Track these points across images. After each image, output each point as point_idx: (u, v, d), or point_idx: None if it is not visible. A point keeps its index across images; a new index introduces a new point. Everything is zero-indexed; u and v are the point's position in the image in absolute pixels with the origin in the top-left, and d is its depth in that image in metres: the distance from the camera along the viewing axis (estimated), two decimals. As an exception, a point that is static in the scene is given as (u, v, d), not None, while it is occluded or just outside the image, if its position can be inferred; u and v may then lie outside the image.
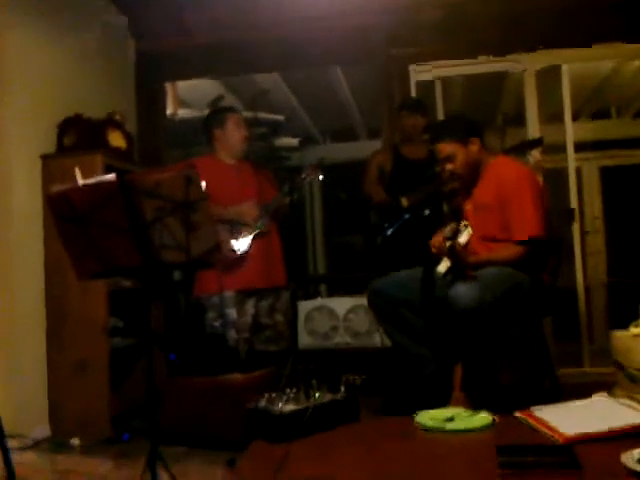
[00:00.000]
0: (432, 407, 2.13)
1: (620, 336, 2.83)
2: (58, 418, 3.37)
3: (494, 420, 1.96)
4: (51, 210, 2.18)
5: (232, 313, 3.36)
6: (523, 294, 2.62)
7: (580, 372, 4.07)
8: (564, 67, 4.24)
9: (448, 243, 2.55)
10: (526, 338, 2.87)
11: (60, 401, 3.38)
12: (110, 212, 2.06)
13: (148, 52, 4.54)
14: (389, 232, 3.59)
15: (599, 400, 2.07)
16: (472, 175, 2.85)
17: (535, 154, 4.07)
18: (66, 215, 2.12)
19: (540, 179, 3.84)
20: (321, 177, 3.51)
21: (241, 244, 3.39)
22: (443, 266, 2.75)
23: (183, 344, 3.41)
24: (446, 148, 2.81)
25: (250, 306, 3.43)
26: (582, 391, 2.19)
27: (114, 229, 2.09)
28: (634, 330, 2.78)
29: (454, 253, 2.56)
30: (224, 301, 3.34)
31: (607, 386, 2.74)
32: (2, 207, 3.26)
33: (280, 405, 1.97)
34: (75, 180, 2.11)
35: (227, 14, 4.37)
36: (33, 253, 3.38)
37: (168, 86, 4.90)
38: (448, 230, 2.60)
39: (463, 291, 2.49)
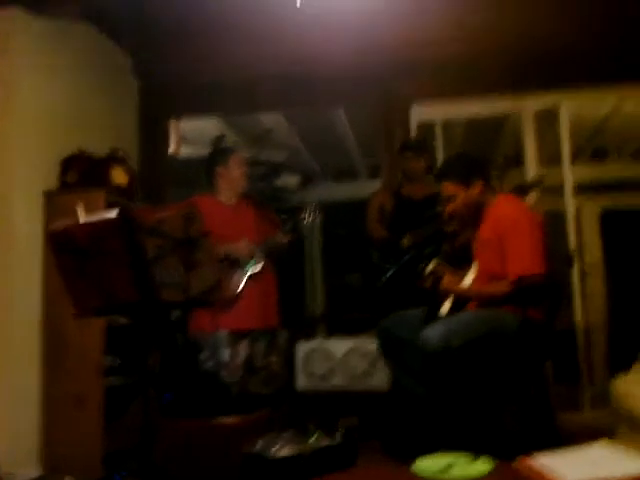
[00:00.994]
0: (431, 448, 2.10)
1: (620, 381, 2.81)
2: (50, 455, 3.32)
3: (494, 467, 1.93)
4: (52, 246, 2.19)
5: (225, 354, 3.34)
6: (506, 337, 2.60)
7: (580, 416, 4.02)
8: (562, 108, 4.29)
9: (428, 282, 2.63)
10: (525, 382, 2.84)
11: (53, 438, 3.34)
12: (110, 249, 2.07)
13: (152, 90, 4.61)
14: (389, 274, 3.61)
15: (600, 446, 2.04)
16: (473, 216, 2.87)
17: (533, 195, 4.09)
18: (67, 252, 2.13)
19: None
20: (318, 219, 3.55)
21: (236, 284, 3.39)
22: (446, 307, 2.77)
23: (178, 384, 3.38)
24: (448, 188, 2.84)
25: (243, 347, 3.41)
26: (582, 436, 2.17)
27: (114, 266, 2.09)
28: (635, 374, 2.76)
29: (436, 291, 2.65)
30: (218, 341, 3.33)
31: (608, 432, 2.71)
32: (4, 242, 3.27)
33: (275, 449, 1.94)
34: (77, 216, 2.12)
35: (230, 54, 4.45)
36: (32, 288, 3.38)
37: (171, 124, 4.96)
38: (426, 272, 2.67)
39: (431, 334, 2.51)
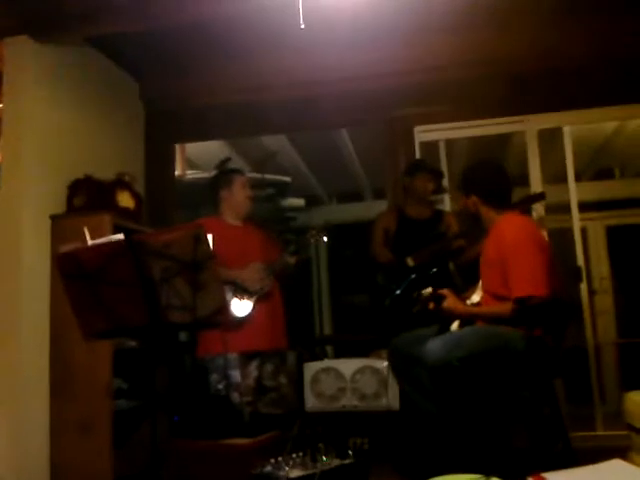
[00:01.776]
0: (443, 468, 2.07)
1: (633, 397, 2.78)
2: (60, 480, 3.31)
3: (507, 486, 1.90)
4: (59, 269, 2.20)
5: (236, 375, 3.33)
6: (512, 354, 2.58)
7: (593, 435, 3.97)
8: (566, 128, 4.31)
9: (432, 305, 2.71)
10: (537, 400, 2.81)
11: (62, 463, 3.31)
12: (117, 272, 2.08)
13: (157, 114, 4.66)
14: (397, 292, 3.60)
15: (614, 465, 2.01)
16: (472, 228, 2.93)
17: (538, 210, 4.10)
18: (74, 274, 2.14)
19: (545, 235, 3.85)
20: (325, 239, 3.56)
21: (243, 307, 3.39)
22: (456, 324, 2.77)
23: (187, 406, 3.36)
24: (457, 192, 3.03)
25: (253, 368, 3.41)
26: (595, 455, 2.13)
27: (121, 289, 2.10)
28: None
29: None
30: (228, 363, 3.32)
31: (622, 450, 2.67)
32: (11, 266, 3.28)
33: (286, 470, 1.92)
34: (84, 240, 2.13)
35: (235, 78, 4.50)
36: (40, 312, 3.38)
37: (177, 147, 5.00)
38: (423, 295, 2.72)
39: (433, 346, 2.51)
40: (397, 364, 2.97)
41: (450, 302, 2.73)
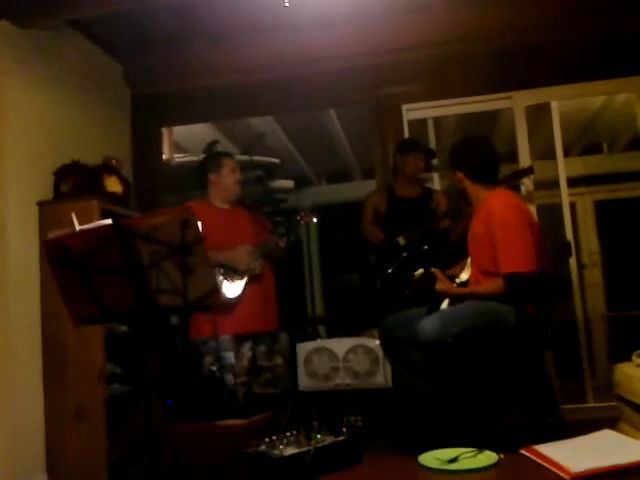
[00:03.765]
0: (436, 443, 2.09)
1: (622, 368, 2.81)
2: (55, 465, 3.32)
3: (499, 459, 1.93)
4: (48, 256, 2.18)
5: (230, 357, 3.34)
6: (503, 328, 2.60)
7: (584, 407, 4.02)
8: (554, 104, 4.31)
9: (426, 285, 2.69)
10: (527, 374, 2.84)
11: (57, 448, 3.33)
12: (106, 257, 2.06)
13: (143, 98, 4.61)
14: (389, 271, 3.61)
15: (604, 435, 2.04)
16: (460, 203, 2.94)
17: (527, 185, 4.11)
18: (62, 260, 2.12)
19: (533, 210, 3.86)
20: (315, 220, 3.56)
21: (234, 288, 3.39)
22: (446, 303, 2.78)
23: (181, 389, 3.37)
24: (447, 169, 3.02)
25: (247, 349, 3.42)
26: (585, 427, 2.16)
27: (110, 274, 2.09)
28: (636, 360, 2.76)
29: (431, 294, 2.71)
30: (221, 345, 3.32)
31: (612, 421, 2.71)
32: (-1, 253, 3.26)
33: (281, 449, 1.94)
34: (72, 226, 2.12)
35: (220, 59, 4.46)
36: (30, 299, 3.37)
37: (164, 131, 4.96)
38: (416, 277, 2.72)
39: (427, 324, 2.53)
40: (388, 345, 2.97)
41: (442, 285, 2.74)
